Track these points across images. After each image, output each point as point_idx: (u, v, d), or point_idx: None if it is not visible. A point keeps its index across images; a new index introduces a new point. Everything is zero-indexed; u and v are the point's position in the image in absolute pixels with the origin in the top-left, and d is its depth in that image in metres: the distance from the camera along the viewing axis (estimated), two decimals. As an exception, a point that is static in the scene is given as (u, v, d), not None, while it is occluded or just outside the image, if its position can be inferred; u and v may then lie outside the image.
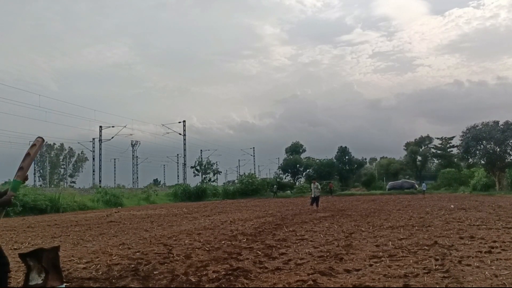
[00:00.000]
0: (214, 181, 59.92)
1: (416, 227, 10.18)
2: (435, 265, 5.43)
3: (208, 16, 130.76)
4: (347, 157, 66.55)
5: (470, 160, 43.71)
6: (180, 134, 49.03)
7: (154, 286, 4.89)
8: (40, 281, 4.40)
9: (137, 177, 72.71)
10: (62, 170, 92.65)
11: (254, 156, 75.93)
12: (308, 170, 64.25)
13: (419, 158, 66.72)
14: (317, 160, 65.53)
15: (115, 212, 22.13)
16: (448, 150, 65.15)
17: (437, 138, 67.70)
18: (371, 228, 10.44)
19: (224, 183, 70.95)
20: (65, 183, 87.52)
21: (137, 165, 72.32)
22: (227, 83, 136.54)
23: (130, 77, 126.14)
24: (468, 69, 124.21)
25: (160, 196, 41.02)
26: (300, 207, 21.55)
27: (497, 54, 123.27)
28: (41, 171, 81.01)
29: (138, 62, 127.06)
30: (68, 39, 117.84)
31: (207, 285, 4.81)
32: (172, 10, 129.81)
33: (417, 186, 50.11)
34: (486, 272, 4.94)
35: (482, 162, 40.45)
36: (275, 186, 48.97)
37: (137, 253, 7.33)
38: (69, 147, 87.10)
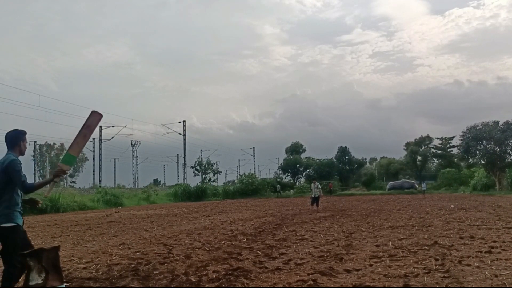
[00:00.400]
0: (214, 181, 59.96)
1: (416, 227, 10.18)
2: (435, 265, 5.43)
3: (208, 16, 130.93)
4: (347, 157, 66.52)
5: (470, 160, 43.70)
6: (180, 134, 49.05)
7: (154, 286, 4.89)
8: (40, 281, 4.40)
9: (137, 177, 72.67)
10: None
11: (254, 156, 76.02)
12: (308, 170, 64.22)
13: (419, 158, 66.65)
14: (317, 160, 65.49)
15: (115, 212, 22.13)
16: (448, 150, 65.12)
17: (437, 138, 67.73)
18: (371, 228, 10.44)
19: (224, 183, 71.00)
20: (65, 183, 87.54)
21: (137, 165, 72.31)
22: (227, 83, 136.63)
23: (130, 77, 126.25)
24: (468, 69, 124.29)
25: (160, 196, 41.03)
26: (300, 207, 21.55)
27: (497, 54, 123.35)
28: (41, 171, 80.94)
29: (138, 62, 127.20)
30: (68, 39, 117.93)
31: (207, 285, 4.81)
32: (172, 10, 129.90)
33: (417, 186, 50.10)
34: (486, 272, 4.94)
35: (482, 162, 40.42)
36: (278, 186, 49.02)
37: (137, 253, 7.33)
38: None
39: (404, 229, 9.82)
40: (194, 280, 5.05)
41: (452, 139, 62.20)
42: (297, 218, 14.37)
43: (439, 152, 66.64)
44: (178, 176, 69.95)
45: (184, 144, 48.88)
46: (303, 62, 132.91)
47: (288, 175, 65.94)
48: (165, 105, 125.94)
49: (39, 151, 77.55)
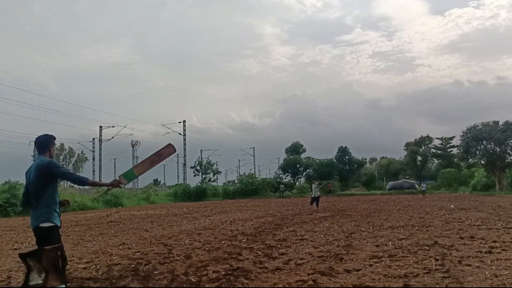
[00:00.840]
0: (214, 181, 59.91)
1: (416, 227, 10.17)
2: (435, 265, 5.43)
3: (208, 16, 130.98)
4: (347, 157, 66.49)
5: (470, 160, 43.67)
6: (180, 134, 49.05)
7: (154, 286, 4.89)
8: (40, 281, 4.40)
9: (137, 177, 72.64)
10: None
11: (254, 156, 75.99)
12: (308, 170, 64.16)
13: (419, 158, 66.67)
14: (317, 160, 65.41)
15: (115, 212, 22.13)
16: (448, 150, 65.10)
17: (437, 138, 67.71)
18: (371, 228, 10.44)
19: (224, 183, 70.91)
20: (65, 183, 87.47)
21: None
22: (227, 83, 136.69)
23: (130, 77, 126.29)
24: (468, 69, 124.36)
25: (160, 196, 41.01)
26: (300, 207, 21.55)
27: (497, 54, 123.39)
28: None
29: (138, 61, 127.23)
30: (68, 39, 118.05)
31: (207, 285, 4.81)
32: (172, 10, 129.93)
33: (417, 186, 50.11)
34: (486, 272, 4.94)
35: (482, 162, 40.40)
36: (281, 186, 49.08)
37: (137, 253, 7.33)
38: (69, 147, 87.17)
39: (404, 229, 9.82)
40: (194, 280, 5.05)
41: (452, 139, 62.24)
42: (297, 218, 14.37)
43: (439, 152, 66.63)
44: (178, 176, 69.98)
45: (184, 144, 48.89)
46: (303, 62, 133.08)
47: (288, 175, 65.91)
48: (165, 105, 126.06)
49: (39, 151, 77.45)
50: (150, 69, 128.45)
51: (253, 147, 77.05)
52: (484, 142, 39.07)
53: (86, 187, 4.35)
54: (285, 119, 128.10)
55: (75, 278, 5.39)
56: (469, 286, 4.44)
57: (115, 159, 71.86)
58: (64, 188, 42.37)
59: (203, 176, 58.21)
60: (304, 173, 65.55)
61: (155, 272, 5.58)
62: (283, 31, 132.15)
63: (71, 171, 4.13)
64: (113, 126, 46.43)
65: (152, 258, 6.77)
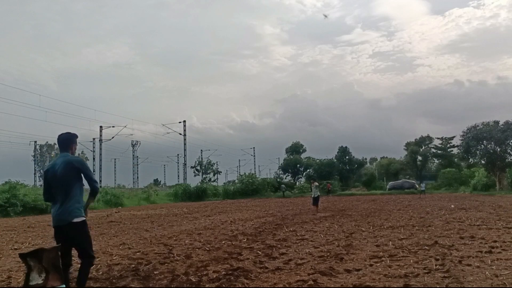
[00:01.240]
0: (214, 181, 59.95)
1: (417, 227, 10.17)
2: (436, 265, 5.43)
3: (208, 16, 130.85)
4: (347, 157, 66.48)
5: (471, 160, 43.70)
6: (180, 134, 49.07)
7: (154, 286, 4.90)
8: (40, 281, 4.40)
9: (138, 177, 72.65)
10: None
11: (254, 156, 75.96)
12: (308, 170, 64.16)
13: (419, 158, 66.67)
14: (318, 160, 65.43)
15: (116, 212, 22.13)
16: (449, 150, 65.08)
17: (438, 138, 67.69)
18: (371, 228, 10.44)
19: (224, 183, 70.99)
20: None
21: (137, 165, 72.33)
22: (227, 83, 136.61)
23: (130, 77, 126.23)
24: (468, 69, 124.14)
25: (161, 196, 41.03)
26: (301, 207, 21.55)
27: (497, 54, 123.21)
28: (41, 171, 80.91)
29: (138, 61, 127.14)
30: (68, 39, 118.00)
31: (207, 285, 4.81)
32: (172, 10, 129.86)
33: (417, 186, 50.12)
34: (487, 272, 4.94)
35: (483, 162, 40.41)
36: (283, 186, 49.09)
37: (138, 253, 7.33)
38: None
39: (405, 229, 9.82)
40: (194, 280, 5.05)
41: (452, 139, 62.22)
42: (297, 218, 14.37)
43: (440, 152, 66.60)
44: (178, 176, 70.01)
45: (184, 144, 48.91)
46: (303, 62, 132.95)
47: (288, 175, 65.93)
48: (165, 105, 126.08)
49: (39, 151, 77.56)
50: (150, 69, 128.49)
51: (253, 147, 77.08)
52: (485, 142, 39.06)
53: (87, 188, 4.42)
54: (285, 119, 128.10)
55: (76, 278, 5.39)
56: (469, 286, 4.44)
57: (115, 159, 71.86)
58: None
59: (203, 176, 58.28)
60: (304, 173, 65.57)
61: (155, 272, 5.58)
62: (283, 31, 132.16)
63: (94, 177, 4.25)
64: (113, 126, 46.42)
65: (152, 258, 6.77)
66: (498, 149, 38.16)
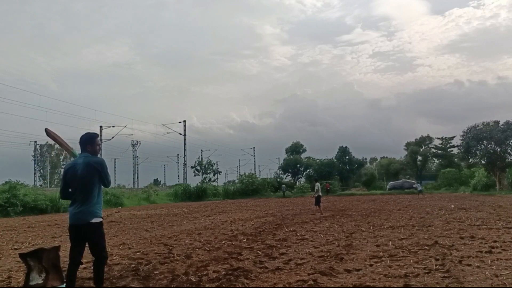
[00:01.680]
0: (214, 181, 60.01)
1: (417, 227, 10.17)
2: (436, 265, 5.43)
3: (208, 16, 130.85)
4: (347, 157, 66.53)
5: (471, 160, 43.69)
6: (180, 134, 49.07)
7: (154, 286, 4.90)
8: (40, 281, 4.41)
9: (138, 177, 72.54)
10: (62, 170, 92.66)
11: (254, 156, 75.94)
12: (308, 170, 64.20)
13: (419, 158, 66.67)
14: (318, 160, 65.45)
15: (116, 212, 22.13)
16: (449, 150, 65.09)
17: (438, 138, 67.72)
18: (371, 228, 10.44)
19: (224, 183, 70.96)
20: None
21: (137, 165, 72.20)
22: (227, 83, 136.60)
23: (130, 77, 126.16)
24: (468, 69, 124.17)
25: (161, 196, 41.02)
26: (301, 207, 21.55)
27: (497, 54, 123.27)
28: (41, 171, 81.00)
29: (138, 61, 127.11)
30: (68, 39, 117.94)
31: (207, 285, 4.81)
32: (172, 10, 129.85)
33: (417, 186, 50.11)
34: (487, 272, 4.94)
35: (483, 162, 40.39)
36: (283, 186, 49.11)
37: (138, 253, 7.33)
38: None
39: (405, 229, 9.82)
40: (194, 280, 5.05)
41: (453, 139, 62.22)
42: (297, 218, 14.37)
43: (440, 152, 66.62)
44: (178, 176, 69.93)
45: (184, 144, 48.90)
46: (303, 62, 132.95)
47: (288, 175, 65.94)
48: (165, 105, 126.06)
49: (39, 151, 77.54)
50: (150, 69, 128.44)
51: (253, 147, 77.04)
52: (485, 142, 39.06)
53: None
54: (285, 119, 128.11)
55: (75, 278, 5.39)
56: (469, 286, 4.44)
57: (115, 159, 71.71)
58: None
59: (204, 176, 58.34)
60: (304, 173, 65.59)
61: (155, 272, 5.58)
62: (283, 31, 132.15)
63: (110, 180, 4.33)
64: (113, 126, 46.38)
65: (152, 258, 6.77)
66: (498, 149, 38.15)
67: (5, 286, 5.19)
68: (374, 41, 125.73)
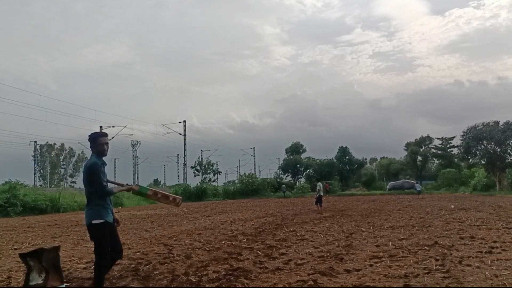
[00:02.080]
0: (214, 181, 60.02)
1: (417, 227, 10.17)
2: (436, 265, 5.43)
3: (208, 16, 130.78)
4: (347, 157, 66.48)
5: (471, 160, 43.64)
6: (180, 134, 49.01)
7: (154, 286, 4.90)
8: (40, 281, 4.41)
9: (138, 177, 72.44)
10: (62, 170, 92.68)
11: (254, 156, 75.88)
12: (308, 170, 64.16)
13: (419, 158, 66.66)
14: (318, 160, 65.42)
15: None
16: (449, 150, 65.03)
17: (438, 138, 67.62)
18: (371, 228, 10.44)
19: (224, 183, 70.99)
20: (66, 183, 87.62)
21: (137, 165, 72.12)
22: (227, 83, 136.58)
23: (130, 77, 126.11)
24: (468, 69, 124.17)
25: (161, 196, 40.94)
26: (301, 207, 21.55)
27: (497, 54, 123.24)
28: (41, 171, 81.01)
29: (138, 61, 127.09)
30: (68, 39, 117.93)
31: (207, 285, 4.82)
32: (172, 10, 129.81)
33: (416, 186, 50.12)
34: (487, 272, 4.94)
35: (483, 162, 40.39)
36: (283, 186, 49.14)
37: (138, 253, 7.33)
38: (69, 147, 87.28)
39: (404, 229, 9.82)
40: (194, 280, 5.05)
41: (453, 139, 62.14)
42: (297, 218, 14.37)
43: (440, 152, 66.57)
44: (178, 176, 69.81)
45: (184, 144, 48.86)
46: (303, 62, 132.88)
47: (288, 175, 65.92)
48: (165, 105, 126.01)
49: (39, 151, 77.51)
50: (150, 69, 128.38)
51: (253, 147, 76.94)
52: (485, 142, 39.06)
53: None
54: (285, 119, 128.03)
55: (75, 278, 5.40)
56: (469, 286, 4.44)
57: (115, 159, 71.64)
58: (64, 188, 42.36)
59: (203, 176, 58.35)
60: (304, 173, 65.57)
61: (155, 272, 5.58)
62: (283, 31, 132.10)
63: (104, 183, 4.16)
64: (113, 126, 46.32)
65: (152, 258, 6.78)
66: (498, 150, 38.15)
67: (5, 286, 5.19)
68: (374, 41, 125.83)
